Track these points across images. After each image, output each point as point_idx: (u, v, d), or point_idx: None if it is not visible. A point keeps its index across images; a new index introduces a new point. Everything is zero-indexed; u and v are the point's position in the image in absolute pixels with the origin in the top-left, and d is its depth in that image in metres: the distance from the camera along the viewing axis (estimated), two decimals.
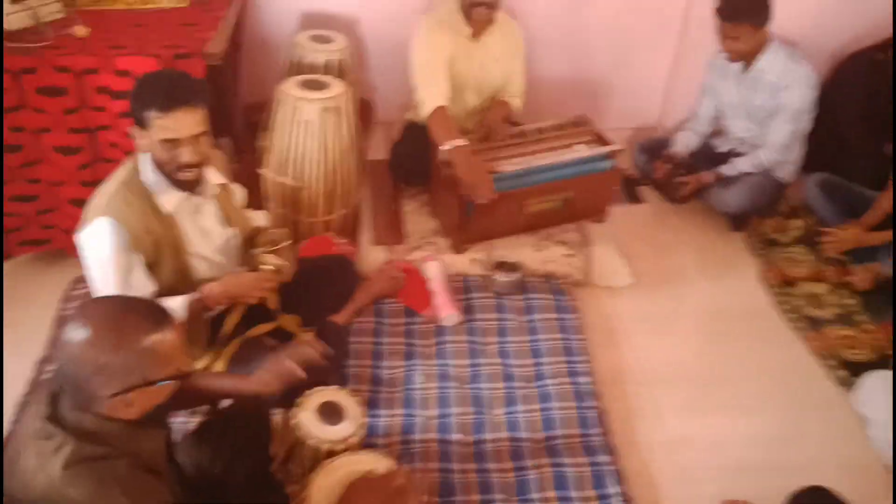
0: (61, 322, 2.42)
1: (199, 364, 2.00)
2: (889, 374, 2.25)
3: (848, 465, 2.14)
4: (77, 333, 1.26)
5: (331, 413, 1.77)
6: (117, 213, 1.77)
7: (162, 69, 2.24)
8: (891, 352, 2.48)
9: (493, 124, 2.73)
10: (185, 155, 1.79)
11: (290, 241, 2.08)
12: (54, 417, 1.28)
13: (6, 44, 2.31)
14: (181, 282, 1.91)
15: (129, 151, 2.33)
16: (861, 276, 2.73)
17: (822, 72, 3.18)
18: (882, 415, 2.16)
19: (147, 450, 1.35)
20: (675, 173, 3.01)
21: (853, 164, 3.02)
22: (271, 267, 2.00)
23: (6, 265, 2.63)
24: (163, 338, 1.30)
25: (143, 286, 1.83)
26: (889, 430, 2.12)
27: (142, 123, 1.76)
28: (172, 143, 1.77)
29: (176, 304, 1.84)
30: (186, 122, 1.76)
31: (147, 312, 1.33)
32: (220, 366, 2.00)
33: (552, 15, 3.27)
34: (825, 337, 2.55)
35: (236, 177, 2.20)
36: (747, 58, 2.84)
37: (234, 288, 1.96)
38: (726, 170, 2.92)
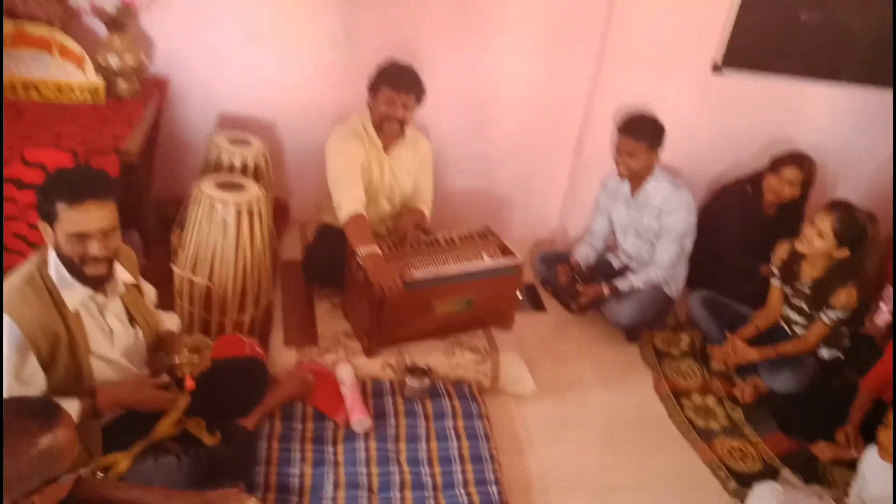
0: None
1: (104, 461, 1.89)
2: (775, 485, 2.41)
3: None
4: None
5: None
6: (14, 309, 1.72)
7: (73, 167, 2.21)
8: (776, 463, 2.65)
9: (406, 230, 2.84)
10: (93, 248, 1.77)
11: (210, 347, 2.05)
12: None
13: None
14: (77, 382, 1.84)
15: (34, 244, 2.27)
16: (745, 390, 2.95)
17: (700, 198, 3.53)
18: None
19: None
20: (574, 281, 3.19)
21: (731, 282, 3.31)
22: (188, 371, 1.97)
23: None
24: (55, 437, 1.29)
25: (35, 383, 1.76)
26: None
27: (49, 217, 1.74)
28: (80, 236, 1.75)
29: (68, 408, 1.75)
30: (95, 216, 1.75)
31: (36, 414, 1.31)
32: (123, 465, 1.90)
33: (460, 133, 3.49)
34: (716, 448, 2.70)
35: (146, 272, 2.17)
36: (637, 178, 3.13)
37: (130, 395, 1.92)
38: (621, 284, 3.14)
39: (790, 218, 3.32)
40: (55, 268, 1.80)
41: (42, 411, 1.32)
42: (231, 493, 1.74)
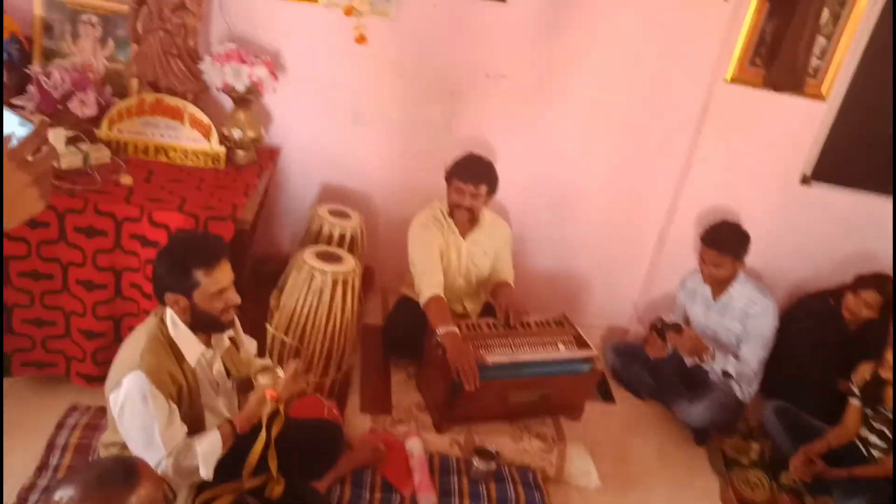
0: (51, 449, 2.43)
1: (207, 495, 2.08)
2: None
3: None
4: None
5: None
6: (149, 366, 1.91)
7: (182, 232, 2.45)
8: None
9: (511, 305, 2.91)
10: (232, 297, 2.02)
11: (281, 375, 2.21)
12: None
13: (60, 183, 2.51)
14: (193, 430, 2.01)
15: (148, 294, 2.49)
16: None
17: (779, 304, 3.51)
18: None
19: None
20: (673, 328, 3.11)
21: (807, 394, 3.26)
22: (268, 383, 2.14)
23: (6, 383, 2.69)
24: (139, 496, 1.41)
25: (179, 429, 1.95)
26: None
27: (187, 287, 1.95)
28: (221, 291, 1.99)
29: (212, 437, 1.98)
30: (227, 271, 2.01)
31: (116, 478, 1.43)
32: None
33: (542, 215, 3.62)
34: None
35: (241, 326, 2.35)
36: (721, 284, 3.15)
37: (250, 412, 2.10)
38: (719, 357, 3.09)
39: (873, 336, 3.26)
40: (175, 327, 2.00)
41: (122, 473, 1.44)
42: None
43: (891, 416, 2.80)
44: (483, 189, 2.92)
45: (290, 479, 2.27)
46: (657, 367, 3.34)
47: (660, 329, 3.17)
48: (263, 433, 2.12)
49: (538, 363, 2.77)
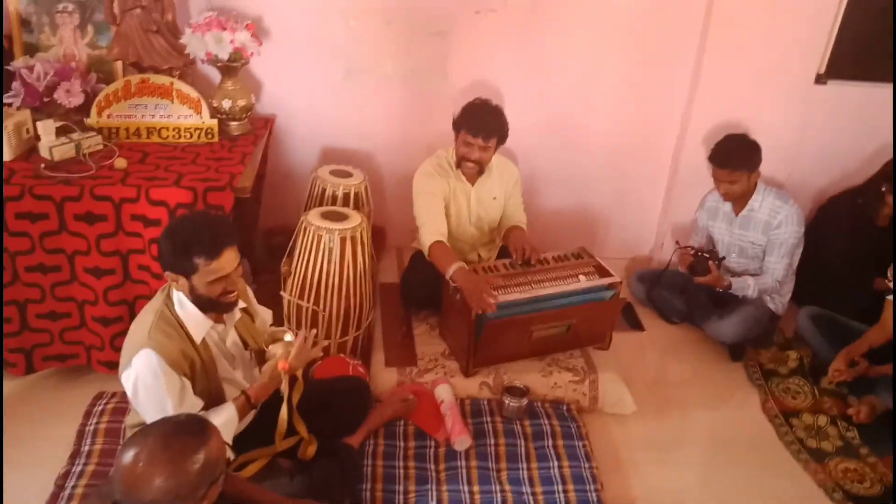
0: (82, 437, 2.45)
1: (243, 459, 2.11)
2: None
3: None
4: (145, 474, 1.36)
5: None
6: (158, 343, 1.89)
7: (189, 215, 2.35)
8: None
9: (526, 243, 2.84)
10: (231, 284, 1.96)
11: (294, 338, 2.17)
12: None
13: (54, 173, 2.49)
14: (211, 403, 2.01)
15: (157, 274, 2.47)
16: (860, 408, 2.79)
17: (807, 211, 3.40)
18: None
19: None
20: (705, 259, 3.02)
21: (841, 297, 3.17)
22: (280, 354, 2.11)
23: (31, 378, 2.71)
24: (209, 448, 1.44)
25: (193, 404, 1.93)
26: None
27: (186, 271, 1.91)
28: (221, 279, 1.93)
29: (227, 410, 1.99)
30: (230, 260, 1.94)
31: (189, 431, 1.45)
32: (255, 466, 2.11)
33: (551, 153, 3.52)
34: (829, 470, 2.59)
35: (256, 298, 2.32)
36: (740, 199, 3.06)
37: (265, 385, 2.09)
38: (736, 284, 3.04)
39: None
40: (181, 306, 1.97)
41: (195, 428, 1.47)
42: None
43: None
44: (493, 142, 2.83)
45: (322, 438, 2.27)
46: (686, 290, 3.26)
47: (700, 255, 3.04)
48: (285, 406, 2.11)
49: (559, 295, 2.71)
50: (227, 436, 1.97)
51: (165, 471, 1.36)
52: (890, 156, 3.26)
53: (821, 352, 3.02)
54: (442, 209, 2.87)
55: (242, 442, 2.11)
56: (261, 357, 2.21)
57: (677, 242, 3.21)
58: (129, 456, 1.38)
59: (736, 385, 3.03)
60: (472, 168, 2.87)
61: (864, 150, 3.46)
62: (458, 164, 2.89)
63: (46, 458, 2.38)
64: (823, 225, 3.38)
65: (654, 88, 3.40)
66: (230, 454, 1.99)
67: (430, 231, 2.78)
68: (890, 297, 2.86)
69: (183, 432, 1.44)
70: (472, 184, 2.95)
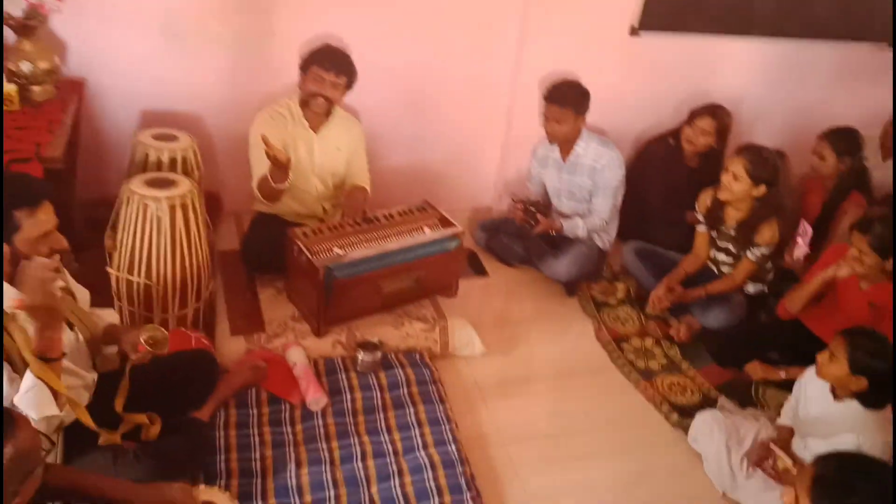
0: None
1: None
2: (715, 412, 2.57)
3: (691, 497, 2.41)
4: None
5: None
6: None
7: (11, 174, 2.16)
8: (713, 393, 2.83)
9: (356, 205, 2.89)
10: (57, 242, 1.85)
11: (167, 337, 2.05)
12: None
13: None
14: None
15: None
16: (680, 329, 3.11)
17: (626, 155, 3.66)
18: (712, 450, 2.44)
19: None
20: (534, 213, 3.24)
21: (659, 231, 3.47)
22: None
23: None
24: (17, 441, 1.33)
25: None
26: (719, 462, 2.41)
27: (7, 231, 1.75)
28: (46, 235, 1.80)
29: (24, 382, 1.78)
30: (51, 213, 1.82)
31: None
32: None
33: (392, 111, 3.51)
34: (657, 385, 2.86)
35: (80, 277, 2.15)
36: (566, 142, 3.23)
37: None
38: (568, 224, 3.25)
39: (711, 168, 3.47)
40: None
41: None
42: (189, 491, 1.77)
43: (733, 232, 3.03)
44: (343, 80, 2.84)
45: (168, 416, 2.16)
46: (522, 235, 3.42)
47: (529, 207, 3.24)
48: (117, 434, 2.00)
49: (406, 249, 2.75)
50: (41, 409, 1.78)
51: None
52: (698, 103, 3.55)
53: (645, 281, 3.30)
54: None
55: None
56: (89, 339, 2.05)
57: (511, 198, 3.36)
58: None
59: (572, 318, 3.24)
60: (322, 106, 2.84)
61: (677, 98, 3.75)
62: (306, 103, 2.84)
63: None
64: (641, 166, 3.65)
65: (484, 46, 3.46)
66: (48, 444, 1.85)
67: (260, 170, 2.75)
68: (699, 228, 3.18)
69: None
70: (316, 132, 2.90)
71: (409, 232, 2.82)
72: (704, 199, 3.14)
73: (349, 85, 2.89)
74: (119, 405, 2.04)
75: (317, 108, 2.87)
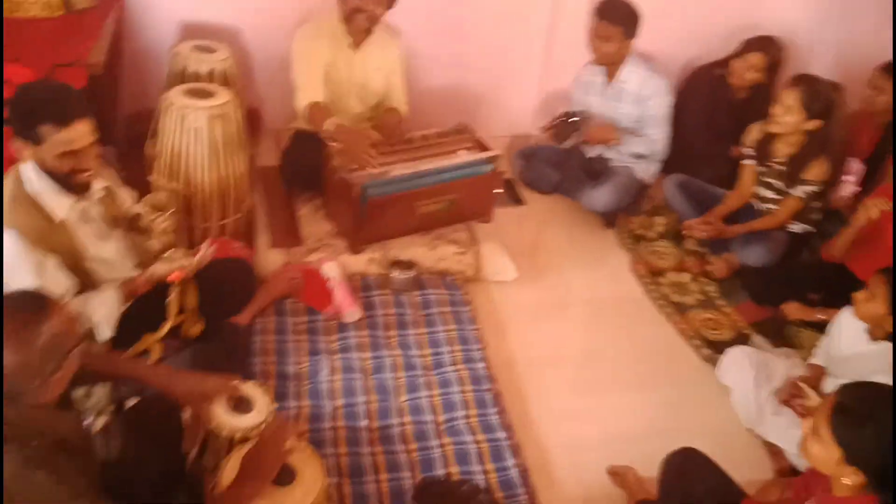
0: None
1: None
2: (746, 348, 2.55)
3: (715, 430, 2.39)
4: None
5: (240, 404, 1.80)
6: (13, 221, 1.80)
7: (40, 81, 2.19)
8: (747, 331, 2.79)
9: (388, 129, 2.86)
10: (85, 162, 1.83)
11: (174, 208, 2.13)
12: None
13: None
14: (84, 283, 1.93)
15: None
16: (718, 265, 3.05)
17: (673, 84, 3.55)
18: (741, 384, 2.43)
19: (66, 432, 1.40)
20: (570, 124, 3.17)
21: (703, 165, 3.38)
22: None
23: None
24: (51, 322, 1.37)
25: (57, 283, 1.84)
26: (746, 396, 2.40)
27: (32, 138, 1.77)
28: (71, 154, 1.80)
29: (107, 294, 1.95)
30: (83, 133, 1.81)
31: (26, 306, 1.39)
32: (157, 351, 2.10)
33: (431, 32, 3.44)
34: (690, 320, 2.83)
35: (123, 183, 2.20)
36: (612, 64, 3.14)
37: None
38: (626, 140, 3.18)
39: (760, 101, 3.32)
40: (37, 181, 1.84)
41: (33, 304, 1.40)
42: (228, 383, 1.83)
43: (781, 167, 2.94)
44: None
45: (208, 320, 2.23)
46: (561, 163, 3.37)
47: (565, 119, 3.15)
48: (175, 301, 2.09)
49: (440, 171, 2.74)
50: (110, 322, 1.95)
51: (8, 345, 1.31)
52: (750, 32, 3.40)
53: (686, 216, 3.21)
54: (321, 73, 2.78)
55: (131, 329, 2.05)
56: (134, 223, 2.12)
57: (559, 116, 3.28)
58: None
59: (609, 250, 3.21)
60: (363, 22, 2.77)
61: (726, 26, 3.60)
62: (349, 19, 2.78)
63: None
64: (686, 97, 3.52)
65: None
66: (103, 336, 1.94)
67: (307, 93, 2.73)
68: (746, 162, 3.09)
69: (20, 309, 1.38)
70: (356, 49, 2.87)
71: (444, 154, 2.80)
72: (754, 133, 3.03)
73: (391, 1, 2.82)
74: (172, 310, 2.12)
75: (359, 25, 2.81)
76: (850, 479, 1.48)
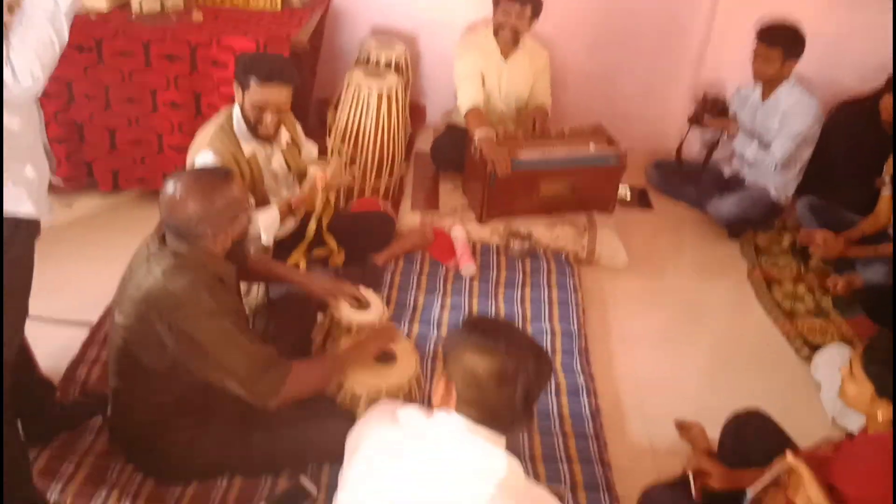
0: None
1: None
2: (844, 346, 2.57)
3: (798, 420, 2.38)
4: (181, 199, 1.73)
5: (360, 305, 2.23)
6: (215, 147, 2.31)
7: (267, 51, 2.80)
8: (855, 340, 2.78)
9: (532, 120, 3.26)
10: (267, 119, 2.32)
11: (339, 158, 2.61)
12: (163, 245, 1.78)
13: (140, 24, 2.94)
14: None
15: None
16: (837, 281, 3.04)
17: (824, 109, 3.56)
18: (831, 379, 2.47)
19: (225, 274, 1.84)
20: (706, 105, 3.43)
21: (841, 191, 3.37)
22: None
23: (118, 196, 3.21)
24: (233, 187, 1.79)
25: None
26: (835, 390, 2.43)
27: (243, 85, 2.30)
28: (261, 107, 2.30)
29: (271, 209, 2.41)
30: (276, 95, 2.30)
31: (217, 173, 1.83)
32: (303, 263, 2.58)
33: (578, 45, 3.76)
34: (797, 325, 2.86)
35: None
36: (769, 82, 3.27)
37: (303, 194, 2.52)
38: (739, 145, 3.34)
39: None
40: (237, 122, 2.38)
41: (221, 173, 1.84)
42: (354, 287, 2.26)
43: None
44: (528, 10, 3.13)
45: (351, 254, 2.71)
46: (697, 178, 3.52)
47: (706, 102, 3.37)
48: (314, 221, 2.53)
49: (568, 160, 3.05)
50: (270, 232, 2.41)
51: (196, 197, 1.72)
52: None
53: None
54: (479, 80, 3.20)
55: (283, 249, 2.56)
56: (303, 178, 2.64)
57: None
58: (169, 186, 1.75)
59: (728, 258, 3.30)
60: (508, 35, 3.17)
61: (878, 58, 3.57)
62: (496, 33, 3.20)
63: (119, 260, 2.81)
64: (833, 126, 3.54)
65: None
66: (266, 241, 2.42)
67: (467, 98, 3.15)
68: (884, 192, 3.07)
69: (211, 174, 1.82)
70: (506, 58, 3.26)
71: (575, 145, 3.10)
72: (893, 163, 3.03)
73: (535, 15, 3.17)
74: (321, 228, 2.60)
75: (504, 38, 3.21)
76: (882, 413, 1.61)
